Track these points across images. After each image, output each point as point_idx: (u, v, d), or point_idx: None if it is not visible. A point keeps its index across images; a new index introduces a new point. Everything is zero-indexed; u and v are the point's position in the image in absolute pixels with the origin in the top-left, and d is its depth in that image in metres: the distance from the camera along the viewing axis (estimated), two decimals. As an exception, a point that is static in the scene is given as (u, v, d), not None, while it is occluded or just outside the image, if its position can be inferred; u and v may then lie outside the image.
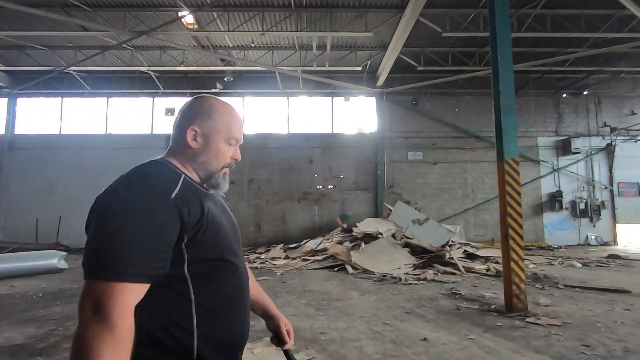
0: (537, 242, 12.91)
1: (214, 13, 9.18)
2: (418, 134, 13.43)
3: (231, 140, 1.06)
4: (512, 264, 4.33)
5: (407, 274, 7.06)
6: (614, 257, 9.46)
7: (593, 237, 13.03)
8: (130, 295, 0.79)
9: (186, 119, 1.03)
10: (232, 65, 11.94)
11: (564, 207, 13.11)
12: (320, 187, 13.14)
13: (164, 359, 0.86)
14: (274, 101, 13.67)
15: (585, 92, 13.43)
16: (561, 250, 11.63)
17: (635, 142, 13.40)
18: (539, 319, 4.01)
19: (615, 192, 13.27)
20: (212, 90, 12.81)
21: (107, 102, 13.55)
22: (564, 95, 13.65)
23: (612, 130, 13.33)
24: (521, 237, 4.45)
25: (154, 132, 13.44)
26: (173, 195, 0.88)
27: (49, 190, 12.82)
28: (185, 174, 0.99)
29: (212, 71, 12.61)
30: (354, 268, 7.61)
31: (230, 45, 11.11)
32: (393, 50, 10.36)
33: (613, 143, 13.28)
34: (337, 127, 13.64)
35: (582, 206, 13.09)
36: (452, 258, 7.63)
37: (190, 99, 1.08)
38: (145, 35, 8.77)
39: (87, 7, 8.87)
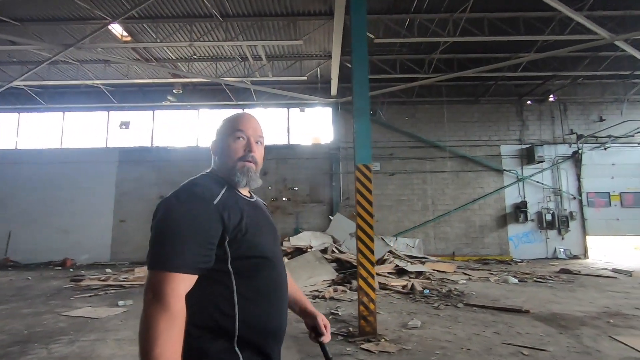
0: (501, 256, 12.25)
1: (144, 24, 9.10)
2: (375, 144, 13.02)
3: (237, 134, 1.17)
4: (361, 282, 3.88)
5: (316, 291, 6.60)
6: (564, 271, 8.82)
7: (561, 250, 12.32)
8: (180, 283, 0.94)
9: (213, 136, 1.25)
10: (180, 78, 11.84)
11: (529, 218, 12.46)
12: (274, 199, 12.78)
13: (208, 339, 0.99)
14: (230, 113, 13.48)
15: (550, 99, 12.92)
16: (521, 264, 10.96)
17: (605, 149, 12.77)
18: (377, 344, 3.54)
19: (585, 202, 12.58)
20: (164, 103, 12.74)
21: (64, 116, 13.57)
22: (528, 102, 13.17)
23: (579, 137, 12.75)
24: (371, 251, 4.01)
25: (108, 146, 13.35)
26: (215, 201, 1.03)
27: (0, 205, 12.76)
28: (226, 184, 1.13)
29: (164, 84, 12.53)
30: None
31: (174, 57, 11.03)
32: (336, 59, 10.11)
33: (580, 151, 12.67)
34: (294, 138, 13.37)
35: (548, 217, 12.43)
36: (370, 274, 7.12)
37: None
38: (75, 47, 8.69)
39: (16, 22, 8.89)
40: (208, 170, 1.20)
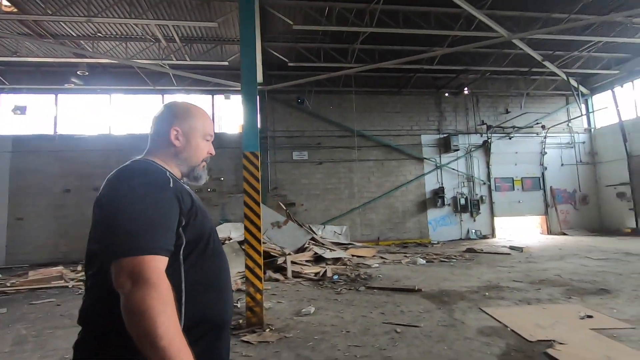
0: (421, 239, 13.05)
1: (32, -5, 7.96)
2: (303, 133, 13.03)
3: (207, 137, 1.25)
4: (247, 273, 3.79)
5: (227, 283, 6.42)
6: (469, 250, 9.64)
7: (473, 231, 13.47)
8: (158, 263, 0.91)
9: (166, 121, 1.19)
10: (85, 58, 10.63)
11: (446, 203, 13.41)
12: (198, 190, 12.20)
13: None
14: (147, 99, 12.54)
15: (465, 92, 13.89)
16: (437, 246, 11.78)
17: (510, 139, 14.12)
18: (260, 335, 3.50)
19: (493, 187, 13.86)
20: (66, 86, 11.40)
21: (-61, 98, 11.54)
22: (446, 94, 14.03)
23: (488, 128, 13.91)
24: (258, 241, 3.94)
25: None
26: (171, 185, 1.03)
27: None
28: (167, 170, 1.12)
29: (66, 64, 11.18)
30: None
31: (74, 35, 9.85)
32: (259, 45, 9.77)
33: (489, 140, 13.86)
34: (219, 126, 12.83)
35: (462, 202, 13.48)
36: (285, 262, 7.13)
37: (164, 104, 1.26)
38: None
39: None
40: (140, 157, 1.17)
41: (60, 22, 9.06)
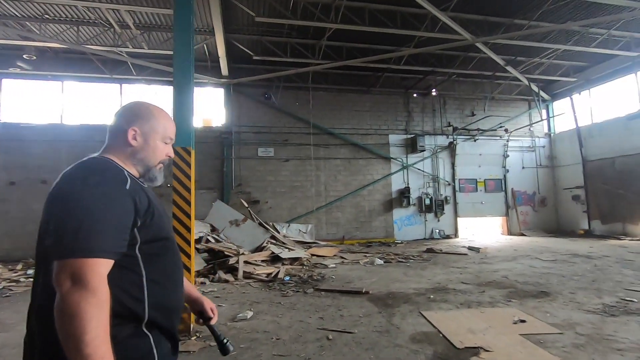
0: (386, 239, 13.10)
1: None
2: (270, 129, 12.75)
3: (166, 140, 1.24)
4: (174, 276, 3.54)
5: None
6: (429, 250, 9.72)
7: (437, 231, 13.67)
8: (102, 267, 0.92)
9: (125, 120, 1.18)
10: (32, 41, 9.89)
11: (411, 203, 13.53)
12: (158, 186, 11.68)
13: (117, 323, 0.95)
14: (104, 88, 11.87)
15: (433, 93, 14.02)
16: (400, 245, 11.86)
17: (474, 141, 14.40)
18: (183, 343, 3.26)
19: (457, 187, 14.10)
20: (13, 71, 10.60)
21: None
22: (414, 95, 14.12)
23: (454, 129, 14.13)
24: (188, 244, 3.70)
25: None
26: (127, 186, 1.04)
27: None
28: (124, 169, 1.13)
29: (13, 46, 10.37)
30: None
31: (19, 15, 9.13)
32: (219, 35, 9.41)
33: (455, 142, 14.08)
34: (181, 119, 12.32)
35: (427, 202, 13.64)
36: (237, 262, 6.89)
37: (126, 103, 1.25)
38: None
39: None
40: (97, 155, 1.16)
41: (1, 1, 8.38)
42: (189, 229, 3.67)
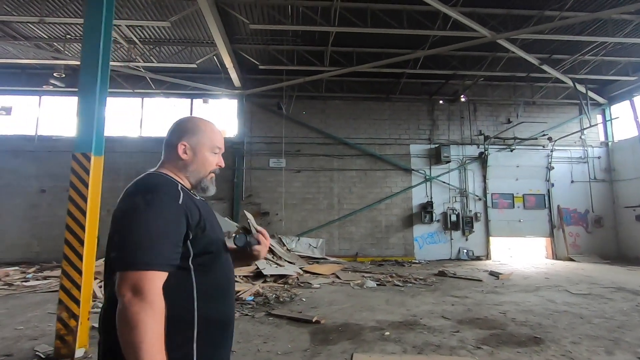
0: (405, 257, 12.01)
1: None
2: (282, 139, 12.47)
3: (215, 150, 1.31)
4: (62, 294, 3.22)
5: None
6: (441, 274, 8.59)
7: (465, 251, 12.24)
8: (157, 280, 1.00)
9: (176, 136, 1.27)
10: (58, 59, 10.74)
11: (434, 219, 12.30)
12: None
13: (171, 330, 1.01)
14: (127, 102, 12.53)
15: (462, 99, 12.79)
16: (416, 265, 10.73)
17: (511, 151, 12.82)
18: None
19: (489, 203, 12.57)
20: (47, 88, 11.60)
21: None
22: (440, 101, 13.01)
23: (486, 138, 12.71)
24: (80, 257, 3.36)
25: (-13, 133, 12.00)
26: (180, 201, 1.11)
27: None
28: (179, 182, 1.22)
29: (48, 66, 11.37)
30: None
31: (45, 36, 9.95)
32: (223, 46, 9.40)
33: (486, 152, 12.64)
34: (197, 131, 12.56)
35: (453, 218, 12.31)
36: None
37: (176, 119, 1.32)
38: None
39: None
40: (154, 170, 1.25)
41: (30, 25, 9.17)
42: (81, 242, 3.35)
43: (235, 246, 1.32)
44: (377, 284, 7.21)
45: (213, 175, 1.32)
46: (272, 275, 7.39)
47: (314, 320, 4.42)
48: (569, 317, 4.68)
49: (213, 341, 1.13)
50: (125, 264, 0.99)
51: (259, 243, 1.32)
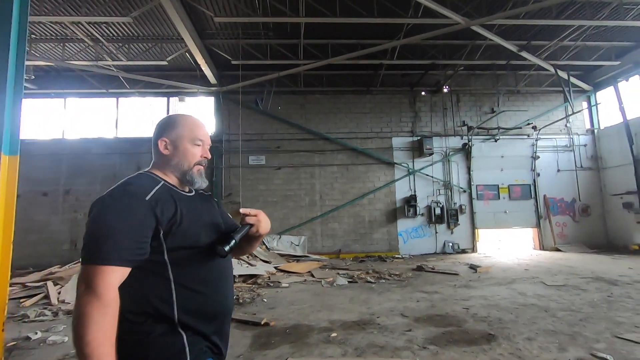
0: (390, 252, 11.80)
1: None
2: (261, 136, 12.24)
3: (196, 141, 1.31)
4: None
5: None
6: (419, 269, 8.38)
7: (450, 244, 12.02)
8: (111, 274, 1.01)
9: (156, 134, 1.31)
10: (31, 61, 10.46)
11: (418, 212, 12.08)
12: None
13: (149, 323, 1.09)
14: (102, 103, 12.27)
15: (445, 90, 12.51)
16: (398, 260, 10.53)
17: (495, 141, 12.58)
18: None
19: (474, 195, 12.35)
20: (18, 90, 11.31)
21: None
22: (422, 93, 12.75)
23: (469, 129, 12.47)
24: None
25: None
26: (148, 197, 1.13)
27: None
28: (165, 180, 1.25)
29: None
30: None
31: (10, 37, 9.65)
32: (192, 42, 9.13)
33: (470, 143, 12.40)
34: (174, 130, 12.31)
35: (438, 211, 12.08)
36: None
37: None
38: None
39: None
40: (146, 169, 1.30)
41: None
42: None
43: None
44: (349, 281, 7.00)
45: (200, 167, 1.32)
46: (240, 276, 7.18)
47: (262, 322, 4.20)
48: (534, 311, 4.47)
49: (200, 332, 1.14)
50: (83, 259, 1.03)
51: (251, 226, 1.30)
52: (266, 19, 8.36)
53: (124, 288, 1.03)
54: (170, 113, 12.24)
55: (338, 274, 7.91)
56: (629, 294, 5.22)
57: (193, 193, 1.32)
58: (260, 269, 7.73)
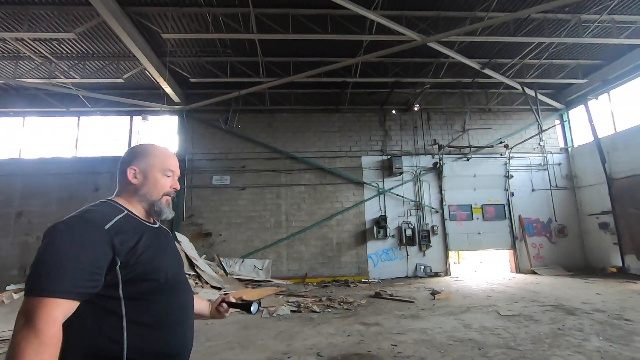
0: (358, 276, 11.24)
1: None
2: (226, 155, 11.88)
3: (167, 172, 1.29)
4: None
5: None
6: (376, 295, 7.85)
7: (422, 267, 11.49)
8: (55, 308, 0.93)
9: (126, 162, 1.26)
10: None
11: (389, 234, 11.59)
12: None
13: None
14: (63, 122, 11.94)
15: (415, 108, 12.32)
16: (363, 285, 9.98)
17: (467, 160, 12.27)
18: None
19: (447, 215, 11.92)
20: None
21: None
22: (393, 111, 12.54)
23: (440, 147, 12.19)
24: None
25: None
26: (107, 226, 1.06)
27: None
28: (128, 209, 1.19)
29: (-26, 87, 10.82)
30: None
31: (-39, 54, 9.42)
32: (145, 59, 8.90)
33: (441, 162, 12.08)
34: (137, 149, 11.94)
35: (409, 233, 11.60)
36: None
37: (129, 148, 1.32)
38: None
39: None
40: (109, 197, 1.23)
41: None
42: None
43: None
44: (293, 311, 6.46)
45: (168, 198, 1.30)
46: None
47: None
48: (466, 348, 3.97)
49: None
50: (26, 290, 0.95)
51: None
52: (216, 35, 8.15)
53: (68, 325, 0.95)
54: (134, 131, 12.07)
55: (287, 302, 7.36)
56: (581, 326, 4.73)
57: (157, 225, 1.29)
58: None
